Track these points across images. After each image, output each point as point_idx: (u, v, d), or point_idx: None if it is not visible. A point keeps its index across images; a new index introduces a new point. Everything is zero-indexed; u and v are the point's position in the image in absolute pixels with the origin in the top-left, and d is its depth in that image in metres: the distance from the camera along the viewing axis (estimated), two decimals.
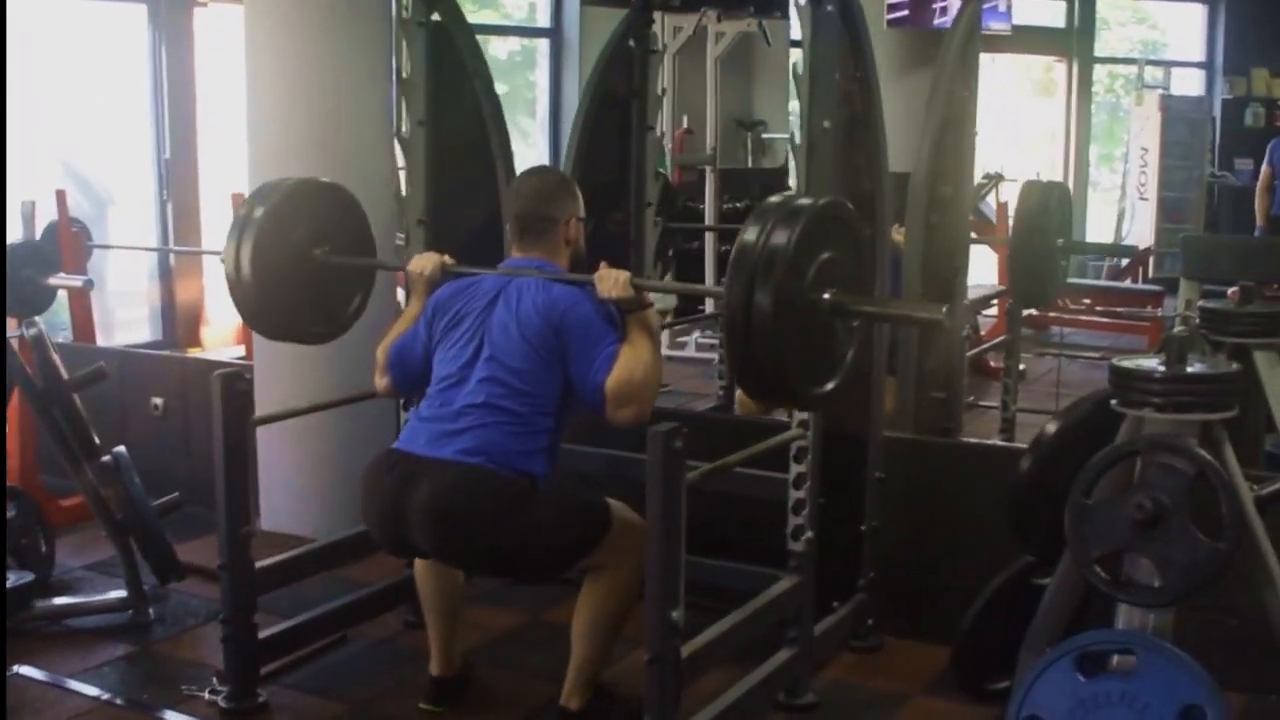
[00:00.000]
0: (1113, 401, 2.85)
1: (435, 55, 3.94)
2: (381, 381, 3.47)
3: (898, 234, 4.18)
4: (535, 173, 3.56)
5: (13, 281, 5.04)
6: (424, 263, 3.50)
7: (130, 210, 8.65)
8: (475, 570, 3.52)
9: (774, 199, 2.83)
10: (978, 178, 9.64)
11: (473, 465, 3.10)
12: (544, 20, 10.13)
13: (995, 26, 9.00)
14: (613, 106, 4.63)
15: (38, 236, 5.58)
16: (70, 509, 4.95)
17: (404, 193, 3.90)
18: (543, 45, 10.15)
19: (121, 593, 4.17)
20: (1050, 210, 4.63)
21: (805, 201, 2.80)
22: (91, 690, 3.64)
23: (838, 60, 3.44)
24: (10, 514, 4.33)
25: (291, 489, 4.97)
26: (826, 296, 2.77)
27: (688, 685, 3.03)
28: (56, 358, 4.14)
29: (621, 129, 4.62)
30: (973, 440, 4.22)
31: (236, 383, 3.41)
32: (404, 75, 3.85)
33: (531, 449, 3.16)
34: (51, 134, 8.06)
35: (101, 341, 7.40)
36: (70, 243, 6.45)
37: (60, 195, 6.52)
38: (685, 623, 2.91)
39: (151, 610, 4.17)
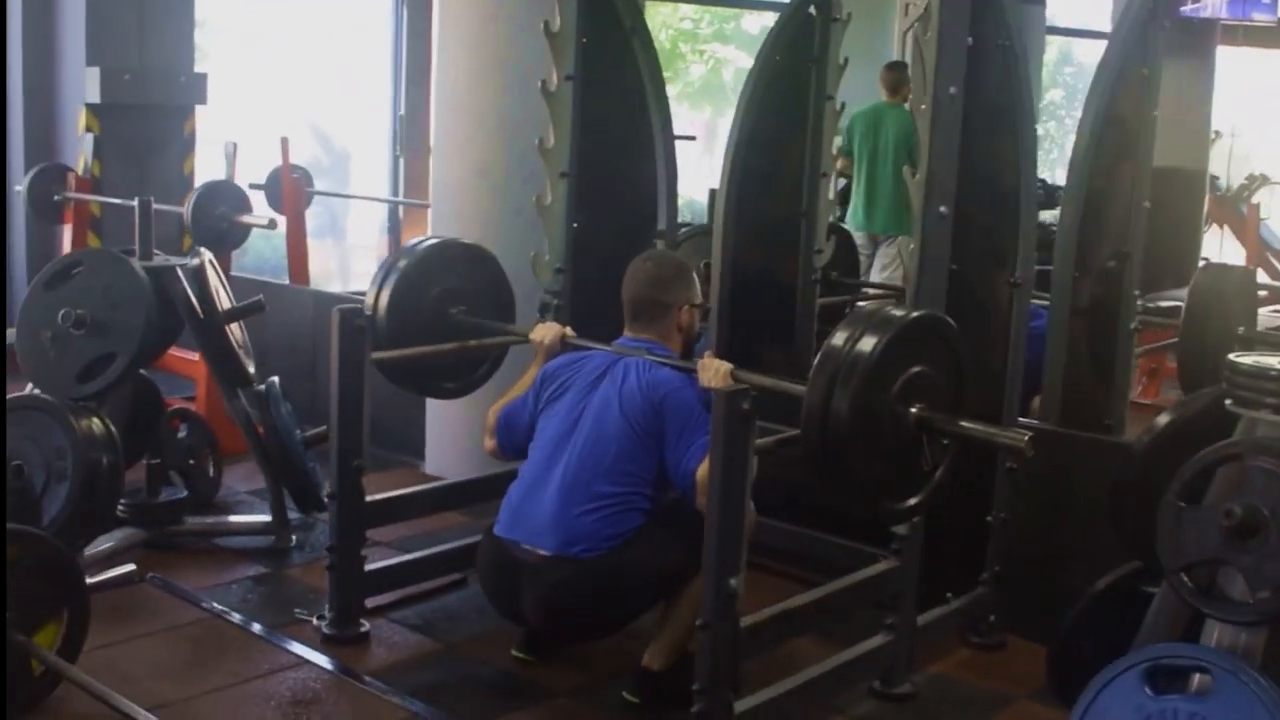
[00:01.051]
0: (1227, 401, 2.62)
1: (591, 12, 3.92)
2: (489, 444, 3.55)
3: None
4: (651, 258, 3.59)
5: (207, 218, 5.43)
6: (545, 332, 3.58)
7: (369, 165, 9.07)
8: (596, 640, 3.56)
9: (869, 306, 2.78)
10: (1239, 178, 9.17)
11: (568, 558, 3.19)
12: None
13: (1258, 18, 8.36)
14: (789, 75, 4.46)
15: (238, 178, 5.90)
16: None
17: (550, 145, 3.91)
18: None
19: (266, 517, 4.35)
20: (1226, 297, 4.26)
21: (897, 312, 2.73)
22: (211, 604, 3.81)
23: (969, 23, 3.26)
24: (181, 434, 4.60)
25: (454, 436, 5.08)
26: (913, 410, 2.67)
27: (752, 655, 2.97)
28: (221, 291, 4.32)
29: (798, 99, 4.44)
30: (1108, 438, 3.93)
31: (354, 318, 3.51)
32: (554, 30, 3.85)
33: (623, 530, 3.21)
34: (302, 93, 8.50)
35: (337, 288, 7.75)
36: (290, 187, 6.76)
37: (284, 142, 6.84)
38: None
39: (294, 537, 4.34)
